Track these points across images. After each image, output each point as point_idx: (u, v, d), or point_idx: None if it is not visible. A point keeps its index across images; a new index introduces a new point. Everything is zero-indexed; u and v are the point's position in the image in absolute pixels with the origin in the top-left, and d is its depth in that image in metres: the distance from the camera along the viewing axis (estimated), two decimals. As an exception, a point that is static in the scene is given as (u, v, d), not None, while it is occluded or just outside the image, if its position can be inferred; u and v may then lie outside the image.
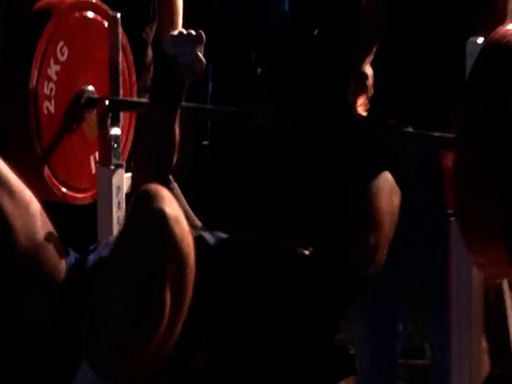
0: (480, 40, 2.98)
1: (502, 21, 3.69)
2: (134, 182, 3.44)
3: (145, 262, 2.58)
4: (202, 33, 3.23)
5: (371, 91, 3.91)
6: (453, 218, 2.99)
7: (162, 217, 2.57)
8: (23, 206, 2.79)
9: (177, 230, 2.58)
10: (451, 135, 3.01)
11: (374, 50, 4.01)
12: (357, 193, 3.11)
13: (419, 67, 3.88)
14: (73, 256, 2.94)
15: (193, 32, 3.24)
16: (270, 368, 3.02)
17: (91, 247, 3.11)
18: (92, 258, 2.99)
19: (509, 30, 2.91)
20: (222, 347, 2.95)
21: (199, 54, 3.21)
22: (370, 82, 3.92)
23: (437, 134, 3.19)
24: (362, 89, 3.91)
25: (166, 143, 3.29)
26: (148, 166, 3.29)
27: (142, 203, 2.63)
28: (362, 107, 3.90)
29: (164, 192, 2.64)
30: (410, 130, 3.29)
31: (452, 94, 3.60)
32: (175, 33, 3.25)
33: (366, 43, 4.02)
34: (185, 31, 3.22)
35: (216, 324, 2.94)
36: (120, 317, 2.59)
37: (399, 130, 3.26)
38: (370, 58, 3.97)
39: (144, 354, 2.61)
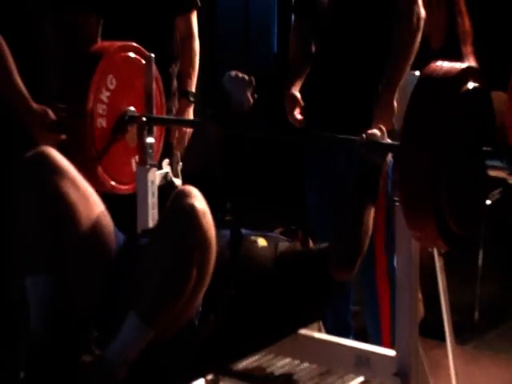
0: (417, 73, 3.06)
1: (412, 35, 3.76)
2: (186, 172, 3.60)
3: (178, 245, 2.67)
4: (253, 78, 3.35)
5: (301, 107, 3.88)
6: (398, 204, 3.05)
7: (192, 210, 2.66)
8: (86, 197, 2.89)
9: (203, 221, 2.67)
10: (396, 143, 3.07)
11: (302, 78, 3.98)
12: (348, 224, 3.19)
13: (340, 88, 3.86)
14: (121, 236, 3.03)
15: (246, 77, 3.31)
16: (260, 328, 3.14)
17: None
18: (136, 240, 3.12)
19: (437, 66, 2.97)
20: (231, 313, 3.01)
21: (248, 94, 3.31)
22: (299, 100, 3.89)
23: (386, 142, 3.19)
24: (295, 107, 3.89)
25: (214, 146, 3.44)
26: (198, 160, 3.45)
27: (178, 199, 2.71)
28: (299, 122, 3.88)
29: (195, 191, 2.72)
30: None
31: (368, 107, 3.69)
32: (233, 73, 3.29)
33: (293, 74, 3.99)
34: (240, 74, 3.28)
35: (226, 298, 3.01)
36: (159, 281, 2.69)
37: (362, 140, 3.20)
38: (298, 85, 3.95)
39: (175, 308, 2.71)
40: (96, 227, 2.92)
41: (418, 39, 3.80)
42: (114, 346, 2.71)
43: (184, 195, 2.72)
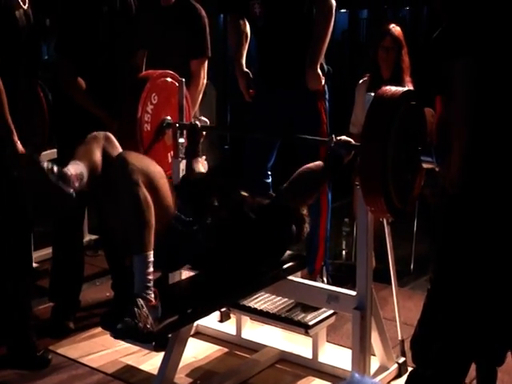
0: (372, 94, 3.03)
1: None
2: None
3: (127, 180, 2.70)
4: None
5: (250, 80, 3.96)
6: (358, 188, 3.02)
7: (123, 159, 2.75)
8: None
9: (134, 161, 2.74)
10: (358, 144, 3.07)
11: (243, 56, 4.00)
12: (310, 185, 3.28)
13: (280, 57, 3.87)
14: None
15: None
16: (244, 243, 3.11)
17: None
18: None
19: (387, 89, 2.98)
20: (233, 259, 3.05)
21: None
22: (249, 74, 3.96)
23: (351, 142, 3.17)
24: (246, 81, 3.97)
25: None
26: None
27: (118, 156, 2.81)
28: (249, 95, 4.01)
29: (127, 151, 2.88)
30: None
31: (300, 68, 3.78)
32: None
33: (238, 56, 4.00)
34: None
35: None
36: (130, 219, 2.72)
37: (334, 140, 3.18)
38: (243, 60, 3.99)
39: (150, 224, 2.70)
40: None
41: (331, 21, 3.84)
42: (135, 284, 2.70)
43: (121, 153, 2.83)
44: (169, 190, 2.90)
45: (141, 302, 2.64)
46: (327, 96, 3.99)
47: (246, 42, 4.07)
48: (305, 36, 3.82)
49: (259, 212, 3.17)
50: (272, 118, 3.95)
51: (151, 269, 2.70)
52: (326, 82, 3.94)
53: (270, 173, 4.15)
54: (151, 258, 2.70)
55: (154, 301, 2.69)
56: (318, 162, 3.28)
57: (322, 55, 3.85)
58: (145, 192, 2.70)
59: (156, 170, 2.84)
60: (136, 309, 2.61)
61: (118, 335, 2.68)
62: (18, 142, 3.31)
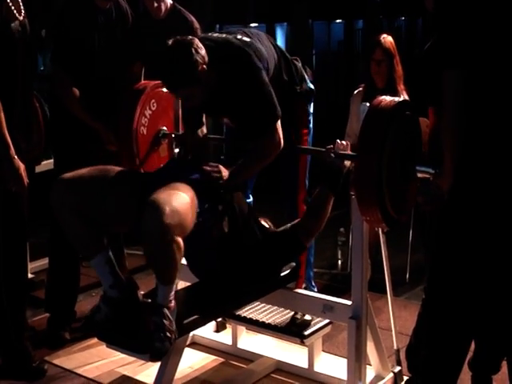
0: (367, 104, 3.07)
1: None
2: None
3: (162, 238, 2.56)
4: None
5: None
6: (354, 197, 3.03)
7: (154, 203, 2.56)
8: None
9: (170, 214, 2.55)
10: (354, 154, 3.06)
11: None
12: (315, 210, 3.24)
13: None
14: None
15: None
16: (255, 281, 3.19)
17: None
18: None
19: (382, 99, 2.98)
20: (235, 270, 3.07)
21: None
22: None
23: (348, 153, 3.15)
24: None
25: None
26: None
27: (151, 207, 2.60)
28: None
29: (160, 196, 2.62)
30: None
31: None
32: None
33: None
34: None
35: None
36: (161, 258, 2.63)
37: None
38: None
39: (180, 260, 2.67)
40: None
41: (267, 160, 3.21)
42: (159, 297, 2.74)
43: (149, 203, 2.60)
44: (192, 212, 2.77)
45: (166, 311, 2.72)
46: (310, 119, 3.62)
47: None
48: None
49: (268, 235, 3.23)
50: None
51: (174, 286, 2.78)
52: (309, 102, 3.61)
53: (250, 192, 3.93)
54: (174, 285, 2.78)
55: (173, 304, 2.77)
56: (318, 189, 3.27)
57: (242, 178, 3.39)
58: (179, 243, 2.62)
59: (187, 209, 2.70)
60: (164, 320, 2.70)
61: (156, 356, 2.77)
62: (16, 157, 3.31)
